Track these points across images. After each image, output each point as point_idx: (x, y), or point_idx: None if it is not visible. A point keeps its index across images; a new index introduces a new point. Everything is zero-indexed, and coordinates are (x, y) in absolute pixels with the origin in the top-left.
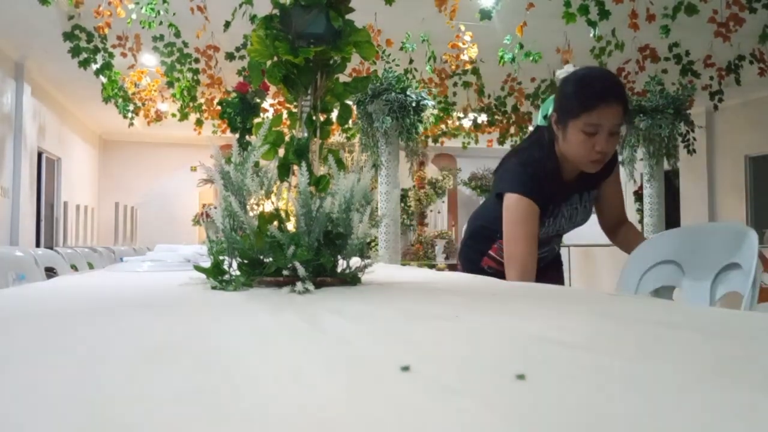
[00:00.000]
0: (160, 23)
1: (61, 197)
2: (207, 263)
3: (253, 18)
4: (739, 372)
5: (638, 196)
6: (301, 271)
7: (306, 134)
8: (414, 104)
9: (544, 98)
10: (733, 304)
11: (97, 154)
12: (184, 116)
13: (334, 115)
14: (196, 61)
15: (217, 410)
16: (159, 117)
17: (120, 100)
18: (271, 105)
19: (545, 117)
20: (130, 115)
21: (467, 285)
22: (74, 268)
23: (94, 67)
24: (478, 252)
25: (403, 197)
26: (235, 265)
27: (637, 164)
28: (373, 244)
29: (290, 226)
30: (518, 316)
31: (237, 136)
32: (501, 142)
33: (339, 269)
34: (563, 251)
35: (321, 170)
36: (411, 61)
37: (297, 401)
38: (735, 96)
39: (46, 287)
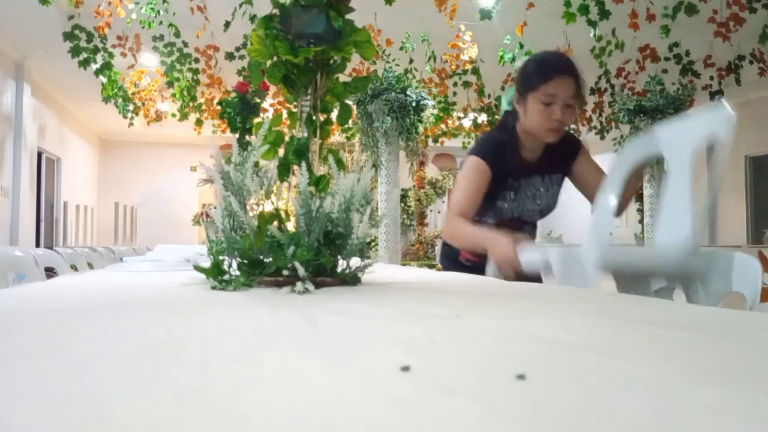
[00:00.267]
0: (160, 23)
1: (61, 197)
2: (207, 263)
3: (253, 18)
4: (740, 372)
5: (638, 195)
6: (301, 271)
7: (306, 134)
8: (414, 104)
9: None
10: (734, 305)
11: (97, 154)
12: (183, 116)
13: (334, 115)
14: (196, 61)
15: (216, 410)
16: (159, 117)
17: (120, 100)
18: (271, 105)
19: (509, 103)
20: (129, 115)
21: (467, 285)
22: (74, 268)
23: (94, 67)
24: (454, 249)
25: (403, 197)
26: (235, 265)
27: None
28: (373, 244)
29: (290, 226)
30: (518, 316)
31: (237, 135)
32: None
33: (339, 269)
34: None
35: (321, 170)
36: (411, 61)
37: (297, 401)
38: (735, 96)
39: (46, 287)
